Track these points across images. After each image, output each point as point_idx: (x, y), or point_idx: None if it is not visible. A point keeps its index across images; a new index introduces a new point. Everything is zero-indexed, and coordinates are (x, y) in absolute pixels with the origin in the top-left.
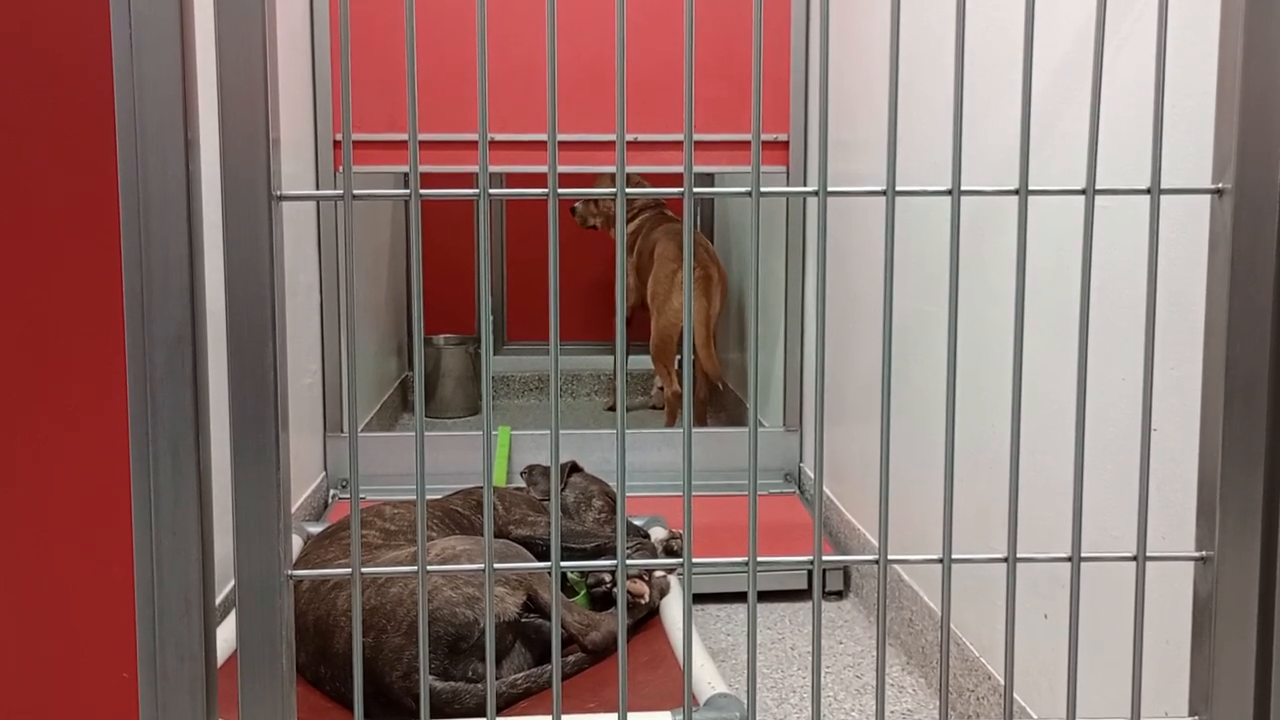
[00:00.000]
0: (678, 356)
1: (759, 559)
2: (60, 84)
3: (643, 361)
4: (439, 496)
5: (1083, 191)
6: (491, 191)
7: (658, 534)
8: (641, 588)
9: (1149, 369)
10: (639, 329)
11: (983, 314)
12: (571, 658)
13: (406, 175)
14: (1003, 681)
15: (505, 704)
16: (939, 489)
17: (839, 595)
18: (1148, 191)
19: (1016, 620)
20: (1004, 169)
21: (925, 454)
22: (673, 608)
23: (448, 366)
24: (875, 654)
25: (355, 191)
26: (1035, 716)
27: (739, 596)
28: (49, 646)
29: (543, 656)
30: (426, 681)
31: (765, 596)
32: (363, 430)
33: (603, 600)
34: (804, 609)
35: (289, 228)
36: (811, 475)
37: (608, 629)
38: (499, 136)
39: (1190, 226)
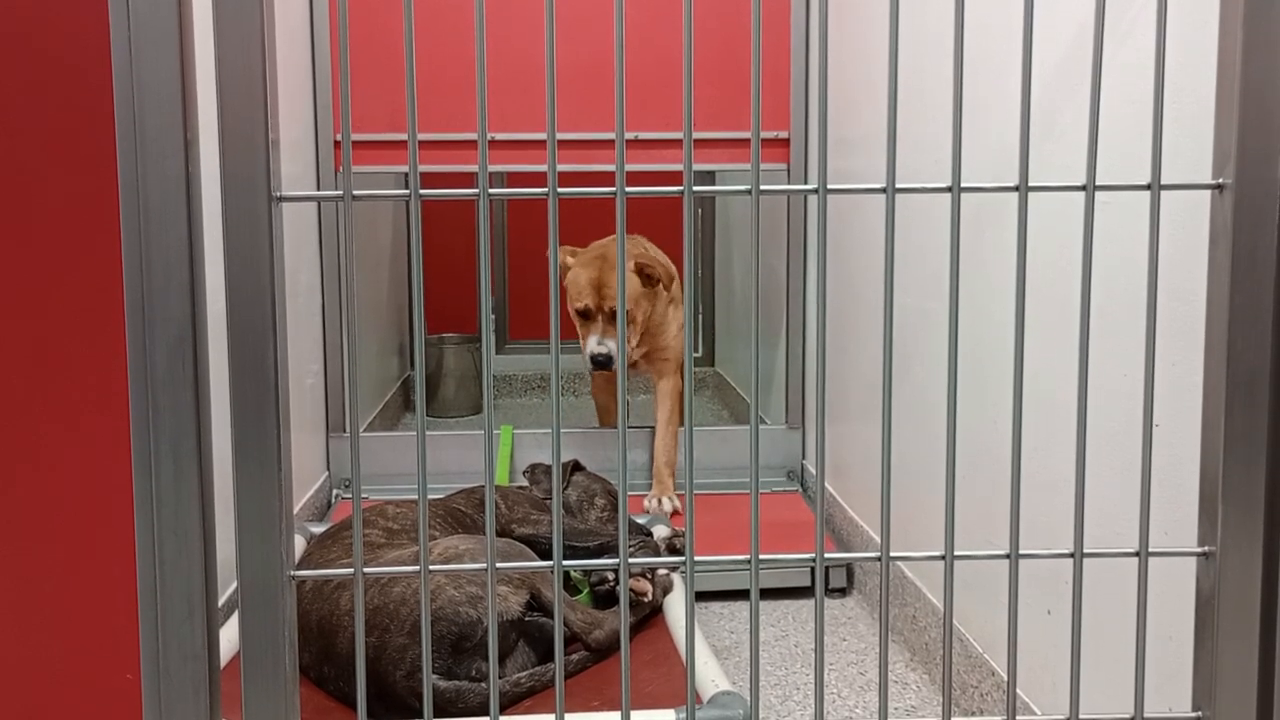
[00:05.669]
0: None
1: (762, 557)
2: (60, 84)
3: None
4: (441, 496)
5: (1083, 187)
6: (491, 191)
7: (660, 532)
8: (644, 586)
9: (1150, 364)
10: None
11: (984, 311)
12: (575, 656)
13: (407, 175)
14: (1006, 677)
15: (509, 703)
16: (941, 485)
17: (842, 592)
18: (1148, 187)
19: (1019, 616)
20: (1004, 165)
21: (927, 450)
22: (676, 606)
23: (449, 366)
24: (878, 651)
25: (355, 192)
26: (1038, 712)
27: (742, 594)
28: (52, 648)
29: (546, 655)
30: (430, 681)
31: (768, 594)
32: (365, 430)
33: (606, 599)
34: (807, 606)
35: (290, 228)
36: (814, 472)
37: (611, 627)
38: (499, 136)
39: (1191, 222)
